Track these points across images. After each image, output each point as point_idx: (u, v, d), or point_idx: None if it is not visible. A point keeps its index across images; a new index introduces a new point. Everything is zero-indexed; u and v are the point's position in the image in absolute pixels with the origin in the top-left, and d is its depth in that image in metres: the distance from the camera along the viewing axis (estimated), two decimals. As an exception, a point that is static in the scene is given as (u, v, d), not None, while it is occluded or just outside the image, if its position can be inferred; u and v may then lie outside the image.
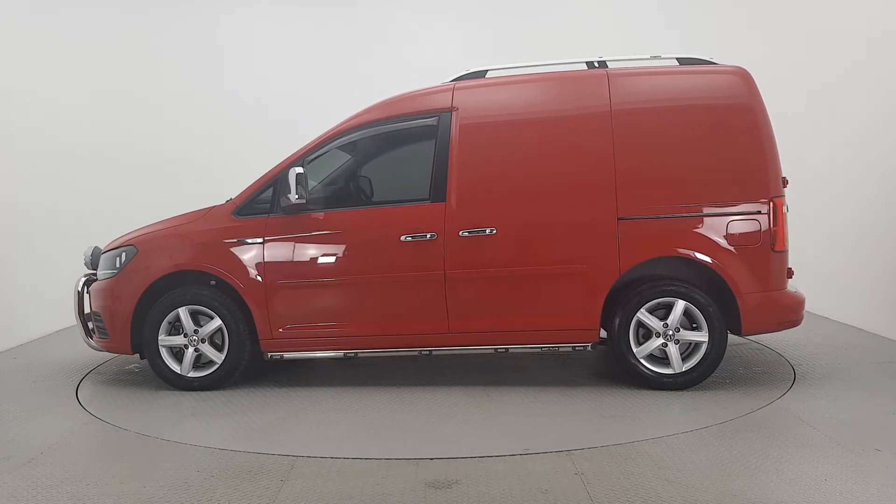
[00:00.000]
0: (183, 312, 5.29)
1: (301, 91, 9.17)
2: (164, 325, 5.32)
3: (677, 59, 5.19)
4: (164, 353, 5.34)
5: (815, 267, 7.28)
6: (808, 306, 7.23)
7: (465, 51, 8.87)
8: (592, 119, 5.02)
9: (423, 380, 5.46)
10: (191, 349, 5.31)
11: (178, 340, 5.32)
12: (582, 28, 9.17)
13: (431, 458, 3.87)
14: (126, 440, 4.37)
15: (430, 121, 5.21)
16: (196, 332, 5.30)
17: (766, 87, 7.55)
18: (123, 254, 5.48)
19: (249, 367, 5.45)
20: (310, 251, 5.21)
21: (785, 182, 4.95)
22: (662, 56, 5.21)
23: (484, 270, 5.01)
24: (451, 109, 5.18)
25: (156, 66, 9.13)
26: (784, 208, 4.90)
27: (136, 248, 5.44)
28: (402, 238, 5.06)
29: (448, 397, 5.01)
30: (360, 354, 5.23)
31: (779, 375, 5.28)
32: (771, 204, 4.87)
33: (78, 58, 8.20)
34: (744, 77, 5.03)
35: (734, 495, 3.31)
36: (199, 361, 5.37)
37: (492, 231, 4.99)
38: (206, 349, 5.30)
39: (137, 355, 5.52)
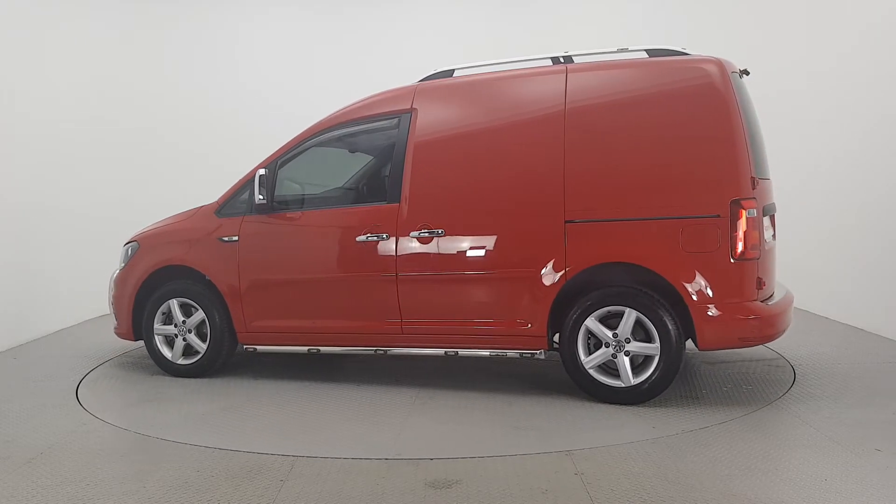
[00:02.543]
0: (174, 304, 5.69)
1: (307, 90, 9.15)
2: (159, 314, 5.74)
3: (647, 50, 4.88)
4: (158, 340, 5.76)
5: (815, 267, 7.29)
6: (807, 306, 7.33)
7: (464, 49, 8.86)
8: (545, 118, 4.83)
9: (383, 379, 5.53)
10: (180, 338, 5.69)
11: (170, 330, 5.72)
12: (580, 24, 9.16)
13: (431, 459, 3.87)
14: (126, 440, 4.38)
15: (392, 122, 5.23)
16: (184, 322, 5.67)
17: (765, 84, 7.58)
18: (130, 249, 6.01)
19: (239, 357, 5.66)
20: (277, 250, 5.42)
21: (755, 183, 4.51)
22: (630, 48, 4.95)
23: (434, 272, 4.99)
24: (410, 111, 5.18)
25: (165, 66, 9.14)
26: (750, 212, 4.43)
27: (139, 243, 5.96)
28: (358, 238, 5.12)
29: (380, 396, 5.08)
30: (321, 351, 5.40)
31: (779, 375, 5.28)
32: (732, 206, 4.41)
33: (82, 56, 8.20)
34: (715, 68, 4.57)
35: (734, 495, 3.31)
36: (192, 350, 5.74)
37: (440, 233, 4.96)
38: (192, 339, 5.67)
39: (141, 342, 5.91)
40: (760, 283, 4.56)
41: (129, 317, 5.84)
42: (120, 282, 5.95)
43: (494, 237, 4.88)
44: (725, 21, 8.73)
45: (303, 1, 9.71)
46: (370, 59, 9.29)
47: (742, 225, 4.41)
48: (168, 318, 5.75)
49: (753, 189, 4.49)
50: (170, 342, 5.76)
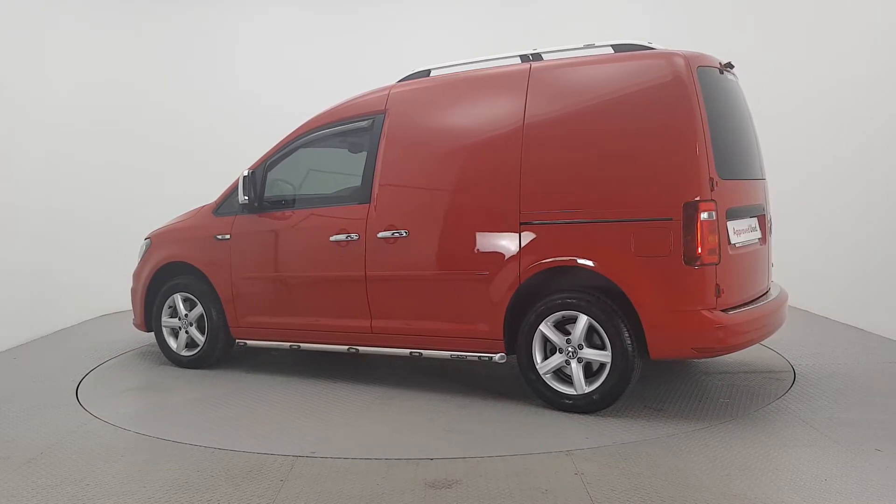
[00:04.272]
0: (177, 298, 6.03)
1: (308, 91, 9.12)
2: (166, 308, 6.09)
3: (612, 46, 4.67)
4: (165, 332, 6.11)
5: (815, 267, 7.29)
6: (807, 306, 7.33)
7: (463, 49, 8.82)
8: (505, 118, 4.75)
9: (360, 375, 5.66)
10: (182, 331, 6.02)
11: (176, 322, 6.06)
12: (580, 24, 9.14)
13: (431, 459, 3.87)
14: (126, 440, 4.37)
15: (367, 123, 5.29)
16: (186, 316, 6.00)
17: (766, 84, 7.57)
18: (144, 245, 6.40)
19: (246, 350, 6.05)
20: (261, 248, 5.64)
21: (714, 184, 4.23)
22: (597, 44, 4.74)
23: (398, 272, 5.03)
24: (383, 112, 5.22)
25: (165, 67, 9.11)
26: (707, 215, 4.16)
27: (151, 240, 6.35)
28: (331, 238, 5.22)
29: (345, 394, 5.17)
30: (302, 347, 5.55)
31: (779, 375, 5.28)
32: (685, 209, 4.17)
33: (82, 58, 8.20)
34: (675, 63, 4.33)
35: (734, 495, 3.31)
36: (194, 342, 6.04)
37: (405, 234, 4.98)
38: (193, 332, 5.99)
39: (151, 333, 6.29)
40: (719, 291, 4.26)
41: (141, 309, 6.23)
42: (135, 276, 6.36)
43: (454, 239, 4.86)
44: (725, 20, 8.73)
45: (303, 1, 9.70)
46: (370, 60, 9.26)
47: (697, 229, 4.15)
48: (174, 312, 6.07)
49: (712, 191, 4.22)
50: (176, 334, 6.08)
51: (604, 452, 3.89)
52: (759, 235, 4.88)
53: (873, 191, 6.48)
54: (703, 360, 5.69)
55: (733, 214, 4.45)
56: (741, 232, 4.58)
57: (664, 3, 9.21)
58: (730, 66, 4.78)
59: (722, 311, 4.27)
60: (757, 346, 5.89)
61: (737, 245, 4.48)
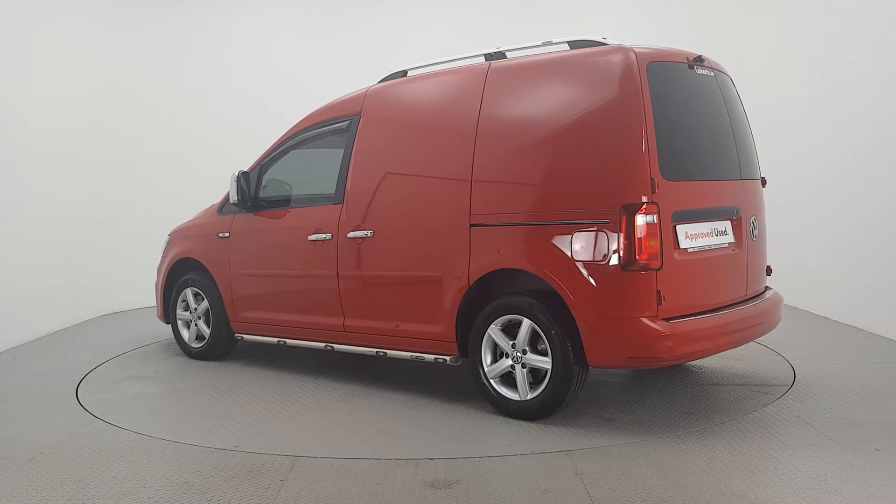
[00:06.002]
0: (188, 293, 6.34)
1: (311, 94, 9.11)
2: (180, 301, 6.41)
3: (568, 42, 4.54)
4: (179, 324, 6.44)
5: (815, 267, 7.29)
6: (807, 306, 7.33)
7: (461, 49, 8.83)
8: (461, 119, 4.70)
9: (341, 372, 5.74)
10: (193, 324, 6.34)
11: (188, 316, 6.37)
12: (580, 24, 9.12)
13: (431, 459, 3.87)
14: (126, 440, 4.37)
15: (345, 125, 5.37)
16: (195, 310, 6.28)
17: (768, 84, 7.56)
18: (165, 241, 6.73)
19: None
20: (253, 246, 5.85)
21: (654, 185, 3.99)
22: (554, 41, 4.65)
23: (364, 272, 5.09)
24: (359, 113, 5.28)
25: (163, 67, 9.11)
26: (645, 218, 3.95)
27: (170, 237, 6.68)
28: (309, 238, 5.36)
29: (313, 390, 5.29)
30: (288, 343, 5.72)
31: (779, 375, 5.28)
32: (623, 212, 3.99)
33: (81, 60, 8.20)
34: (623, 59, 4.15)
35: (734, 495, 3.31)
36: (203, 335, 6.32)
37: (370, 234, 5.01)
38: (200, 325, 6.28)
39: (170, 325, 6.61)
40: (661, 298, 4.02)
41: (161, 302, 6.56)
42: (157, 271, 6.70)
43: (412, 239, 4.87)
44: (727, 20, 8.73)
45: (303, 2, 9.69)
46: (370, 60, 9.23)
47: (634, 233, 3.96)
48: (188, 306, 6.38)
49: (654, 193, 3.99)
50: (189, 326, 6.41)
51: (604, 452, 3.89)
52: (731, 239, 4.57)
53: (874, 192, 6.48)
54: (700, 361, 5.68)
55: (686, 217, 4.22)
56: (697, 236, 4.31)
57: (664, 4, 9.22)
58: (699, 60, 4.52)
59: (667, 319, 4.04)
60: (756, 346, 5.93)
61: (689, 250, 4.23)
